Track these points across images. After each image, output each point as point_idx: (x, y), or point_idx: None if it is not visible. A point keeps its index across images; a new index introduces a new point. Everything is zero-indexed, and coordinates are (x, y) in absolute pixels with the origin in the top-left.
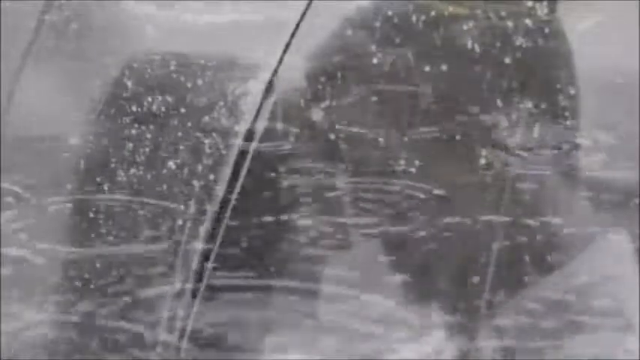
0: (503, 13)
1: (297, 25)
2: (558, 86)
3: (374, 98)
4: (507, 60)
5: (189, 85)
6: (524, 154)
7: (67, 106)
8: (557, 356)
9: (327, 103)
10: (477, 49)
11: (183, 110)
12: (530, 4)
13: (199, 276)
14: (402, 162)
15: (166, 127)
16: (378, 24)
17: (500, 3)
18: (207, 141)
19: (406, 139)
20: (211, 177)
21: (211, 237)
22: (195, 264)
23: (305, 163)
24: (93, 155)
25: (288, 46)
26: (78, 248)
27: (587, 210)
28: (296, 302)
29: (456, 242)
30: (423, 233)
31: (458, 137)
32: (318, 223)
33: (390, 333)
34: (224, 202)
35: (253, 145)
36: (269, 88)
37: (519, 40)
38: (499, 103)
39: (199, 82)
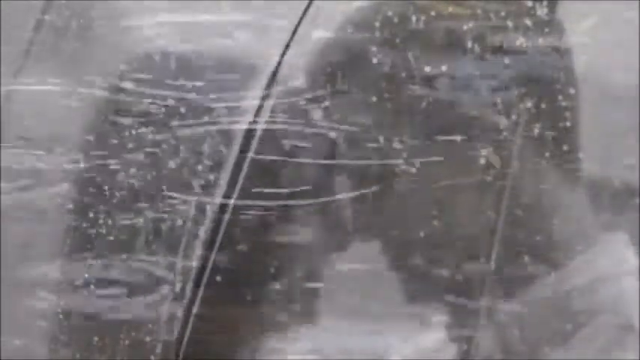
0: (503, 13)
1: (297, 25)
2: (558, 86)
3: (374, 98)
4: (507, 60)
5: (189, 85)
6: (524, 153)
7: (67, 106)
8: (558, 356)
9: (327, 103)
10: (477, 49)
11: (183, 110)
12: (530, 4)
13: (199, 276)
14: (402, 162)
15: (166, 126)
16: (378, 24)
17: (501, 3)
18: (207, 141)
19: (407, 138)
20: (211, 177)
21: (211, 237)
22: (195, 263)
23: (305, 163)
24: (92, 155)
25: (288, 46)
26: (78, 248)
27: (588, 210)
28: (295, 301)
29: (456, 242)
30: (422, 233)
31: (458, 138)
32: (317, 222)
33: (390, 332)
34: (224, 203)
35: (253, 145)
36: (269, 88)
37: (519, 40)
38: (499, 103)
39: (199, 82)
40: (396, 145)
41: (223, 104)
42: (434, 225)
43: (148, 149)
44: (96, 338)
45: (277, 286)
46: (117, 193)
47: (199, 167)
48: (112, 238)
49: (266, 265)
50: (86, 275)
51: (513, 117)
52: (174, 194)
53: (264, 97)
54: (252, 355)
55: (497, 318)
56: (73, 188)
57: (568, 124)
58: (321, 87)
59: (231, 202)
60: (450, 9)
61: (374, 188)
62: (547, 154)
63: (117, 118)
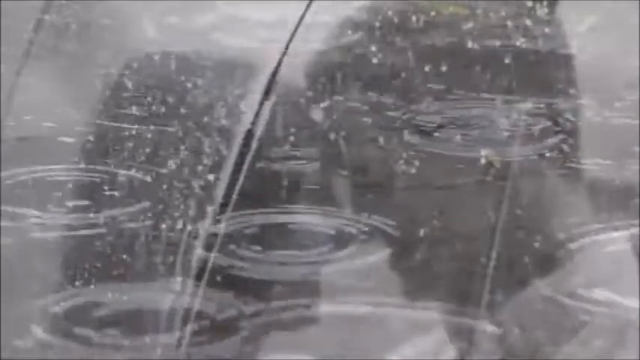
0: (503, 13)
1: (297, 25)
2: (559, 86)
3: (373, 98)
4: (507, 60)
5: (189, 85)
6: (525, 153)
7: (67, 106)
8: (557, 356)
9: (327, 103)
10: (477, 48)
11: (183, 110)
12: (530, 4)
13: (200, 275)
14: (402, 162)
15: (166, 126)
16: (378, 24)
17: (501, 3)
18: (207, 141)
19: (406, 138)
20: (211, 177)
21: (212, 236)
22: (195, 263)
23: (305, 163)
24: (93, 155)
25: (288, 45)
26: (79, 247)
27: (588, 210)
28: (295, 301)
29: (456, 241)
30: (422, 233)
31: (458, 137)
32: (317, 221)
33: (390, 331)
34: (225, 202)
35: (253, 145)
36: (269, 88)
37: (519, 40)
38: (499, 103)
39: (199, 82)
40: (396, 144)
41: (223, 104)
42: (434, 225)
43: (148, 149)
44: (96, 337)
45: (277, 285)
46: (117, 193)
47: (199, 167)
48: (111, 237)
49: (266, 265)
50: (87, 274)
51: (513, 117)
52: (175, 194)
53: (264, 97)
54: (253, 355)
55: (498, 318)
56: (74, 187)
57: (568, 124)
58: (321, 87)
59: (232, 201)
60: (450, 9)
61: (374, 188)
62: (547, 154)
63: (117, 118)
